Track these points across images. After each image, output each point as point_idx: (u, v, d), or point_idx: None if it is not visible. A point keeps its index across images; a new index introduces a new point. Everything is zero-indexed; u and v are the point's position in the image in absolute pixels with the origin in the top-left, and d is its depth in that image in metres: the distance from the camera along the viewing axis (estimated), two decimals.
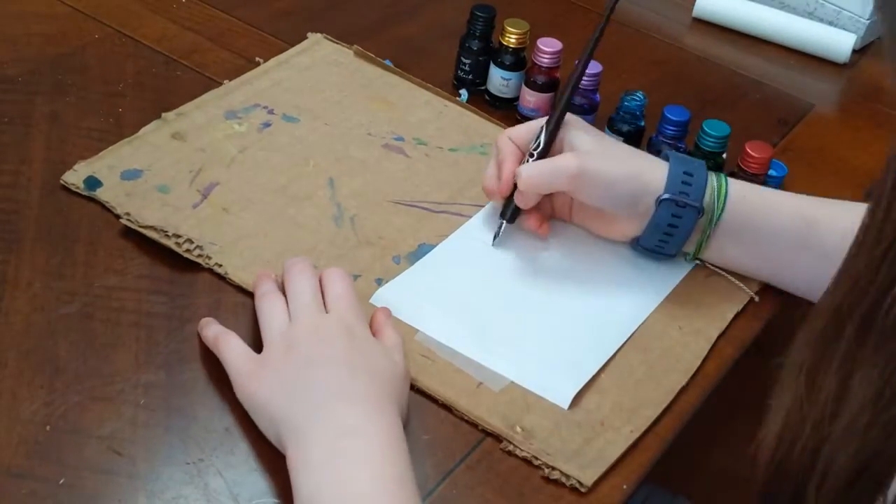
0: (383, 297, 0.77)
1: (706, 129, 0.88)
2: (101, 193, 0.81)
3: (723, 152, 0.89)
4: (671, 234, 0.80)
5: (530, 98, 0.95)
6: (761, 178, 0.88)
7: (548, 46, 0.93)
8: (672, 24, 1.17)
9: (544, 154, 0.80)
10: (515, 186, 0.80)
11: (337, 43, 1.01)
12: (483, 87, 0.99)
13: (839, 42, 1.13)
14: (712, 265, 0.83)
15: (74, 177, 0.82)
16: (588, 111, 0.92)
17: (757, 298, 0.82)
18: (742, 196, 0.80)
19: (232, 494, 0.64)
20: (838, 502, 0.49)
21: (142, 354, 0.71)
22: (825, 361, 0.49)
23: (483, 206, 0.85)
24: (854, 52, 1.13)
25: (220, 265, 0.77)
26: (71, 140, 0.87)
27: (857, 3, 1.14)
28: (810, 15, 1.16)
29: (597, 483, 0.68)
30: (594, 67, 0.91)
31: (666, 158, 0.81)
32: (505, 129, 0.84)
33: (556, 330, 0.78)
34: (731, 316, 0.81)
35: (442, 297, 0.78)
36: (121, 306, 0.74)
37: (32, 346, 0.71)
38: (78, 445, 0.65)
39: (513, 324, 0.77)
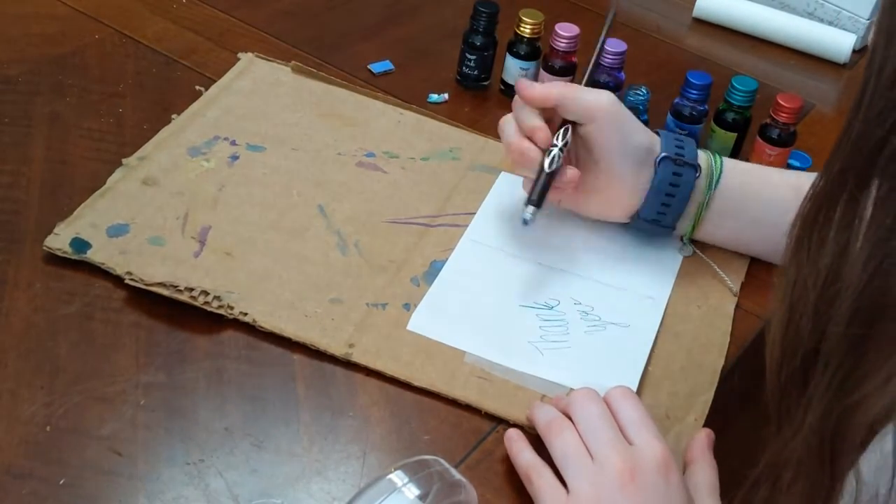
0: (419, 323, 0.75)
1: (735, 84, 0.92)
2: (93, 255, 0.76)
3: (751, 106, 0.93)
4: (673, 194, 0.80)
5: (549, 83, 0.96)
6: (793, 129, 0.91)
7: (565, 31, 0.94)
8: (672, 24, 1.17)
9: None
10: (547, 177, 0.78)
11: (272, 61, 0.98)
12: (486, 83, 0.99)
13: (839, 42, 1.13)
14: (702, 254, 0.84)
15: (58, 241, 0.76)
16: (613, 89, 0.94)
17: (736, 293, 0.83)
18: (734, 167, 0.82)
19: (232, 495, 0.64)
20: (846, 365, 0.49)
21: (142, 355, 0.71)
22: (827, 219, 0.49)
23: (474, 213, 0.85)
24: (854, 52, 1.13)
25: (246, 314, 0.74)
26: (71, 140, 0.87)
27: (857, 3, 1.14)
28: (810, 15, 1.17)
29: None
30: (619, 46, 0.93)
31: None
32: (465, 133, 0.83)
33: (591, 324, 0.78)
34: (738, 286, 0.83)
35: (473, 311, 0.77)
36: (121, 306, 0.74)
37: (32, 347, 0.70)
38: (78, 446, 0.65)
39: (548, 326, 0.77)
